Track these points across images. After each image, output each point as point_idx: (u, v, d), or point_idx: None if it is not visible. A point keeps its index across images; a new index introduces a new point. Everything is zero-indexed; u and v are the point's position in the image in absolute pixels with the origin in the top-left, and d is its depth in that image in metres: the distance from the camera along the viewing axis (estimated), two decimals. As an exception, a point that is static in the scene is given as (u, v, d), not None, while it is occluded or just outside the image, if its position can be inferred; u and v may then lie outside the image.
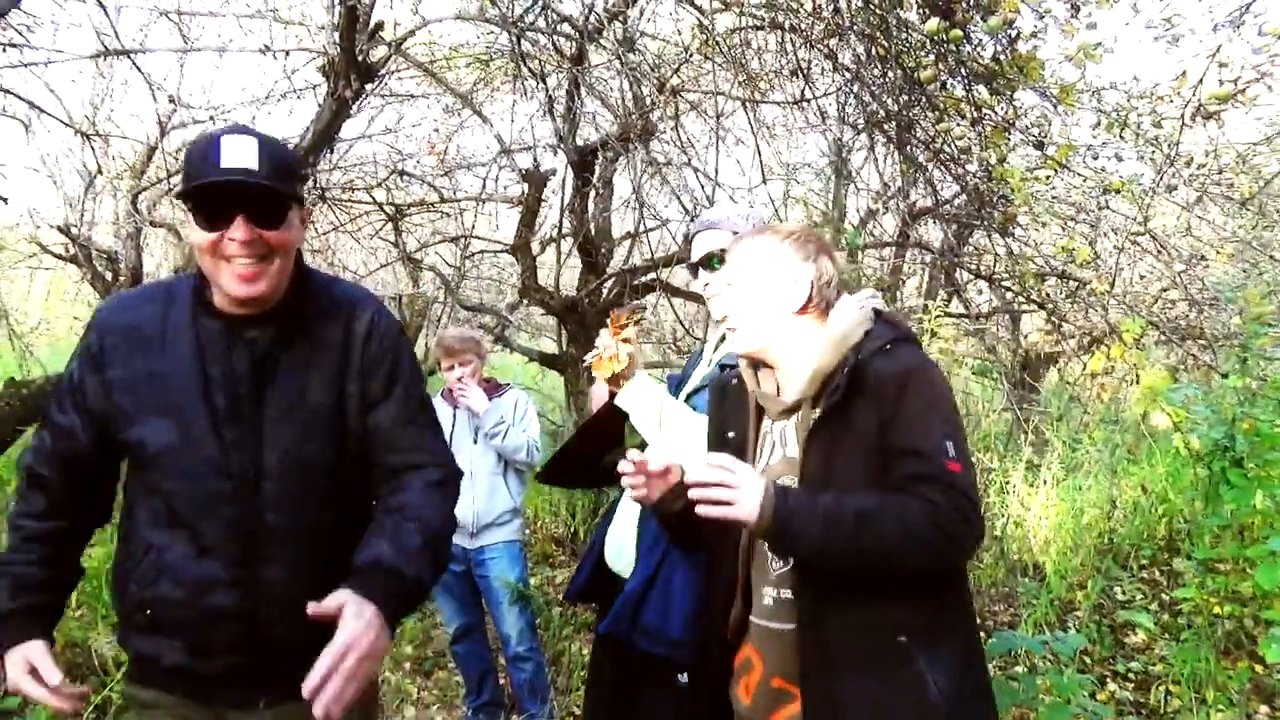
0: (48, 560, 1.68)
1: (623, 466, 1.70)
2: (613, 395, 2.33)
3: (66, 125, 5.84)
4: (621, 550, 2.40)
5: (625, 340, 2.21)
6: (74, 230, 6.83)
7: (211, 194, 1.50)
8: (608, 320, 2.22)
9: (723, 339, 2.47)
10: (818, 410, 1.61)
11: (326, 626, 1.39)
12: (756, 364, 1.79)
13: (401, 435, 1.69)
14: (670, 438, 2.19)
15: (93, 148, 5.93)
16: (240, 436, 1.58)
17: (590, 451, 2.51)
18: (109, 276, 6.89)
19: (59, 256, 7.55)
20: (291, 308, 1.64)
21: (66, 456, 1.66)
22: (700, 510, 1.47)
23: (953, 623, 1.61)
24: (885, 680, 1.52)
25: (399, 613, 1.50)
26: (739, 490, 1.45)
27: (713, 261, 2.32)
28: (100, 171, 6.14)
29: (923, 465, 1.49)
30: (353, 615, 1.38)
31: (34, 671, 1.59)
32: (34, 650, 1.60)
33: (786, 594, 1.65)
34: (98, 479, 1.73)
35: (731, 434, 1.81)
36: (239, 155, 1.48)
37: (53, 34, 6.69)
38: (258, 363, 1.60)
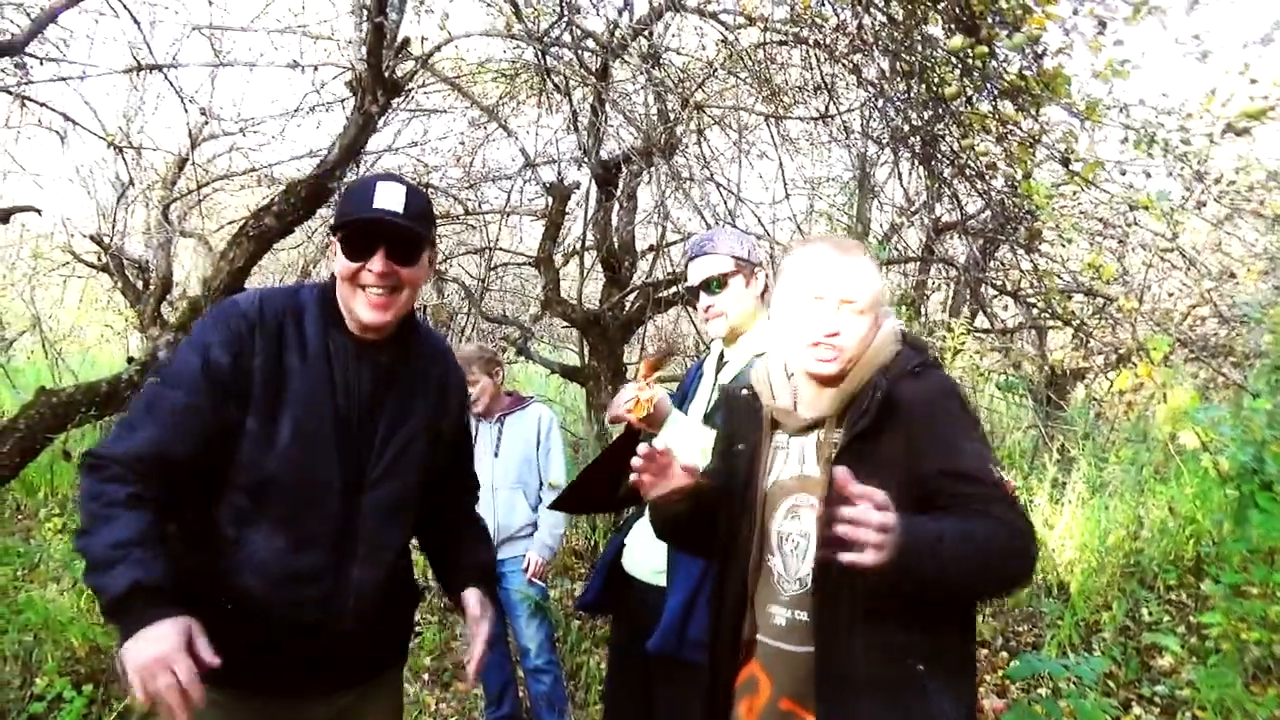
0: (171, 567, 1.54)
1: (637, 458, 1.65)
2: (632, 432, 2.34)
3: (100, 138, 5.95)
4: (649, 557, 2.40)
5: (659, 381, 2.25)
6: (106, 240, 6.95)
7: (360, 229, 1.70)
8: (638, 366, 2.26)
9: (722, 358, 2.50)
10: (841, 430, 1.59)
11: (387, 627, 1.88)
12: (830, 380, 1.67)
13: (467, 469, 2.12)
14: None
15: (125, 159, 6.03)
16: (356, 442, 1.74)
17: (609, 477, 2.51)
18: (139, 285, 7.00)
19: (91, 265, 7.68)
20: (406, 341, 1.85)
21: (196, 434, 1.62)
22: (843, 556, 1.33)
23: (961, 651, 1.62)
24: (899, 706, 1.51)
25: None
26: (888, 536, 1.31)
27: (712, 285, 2.40)
28: (132, 183, 6.23)
29: (978, 486, 1.49)
30: (485, 612, 1.89)
31: (190, 649, 1.43)
32: (195, 624, 1.47)
33: (801, 615, 1.62)
34: (197, 472, 1.65)
35: (740, 446, 1.79)
36: (388, 198, 1.69)
37: (88, 49, 6.81)
38: (379, 381, 1.78)
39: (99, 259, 7.37)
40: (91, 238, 7.11)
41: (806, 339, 1.64)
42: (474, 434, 3.61)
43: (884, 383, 1.56)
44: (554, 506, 2.84)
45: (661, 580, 2.35)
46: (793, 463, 1.70)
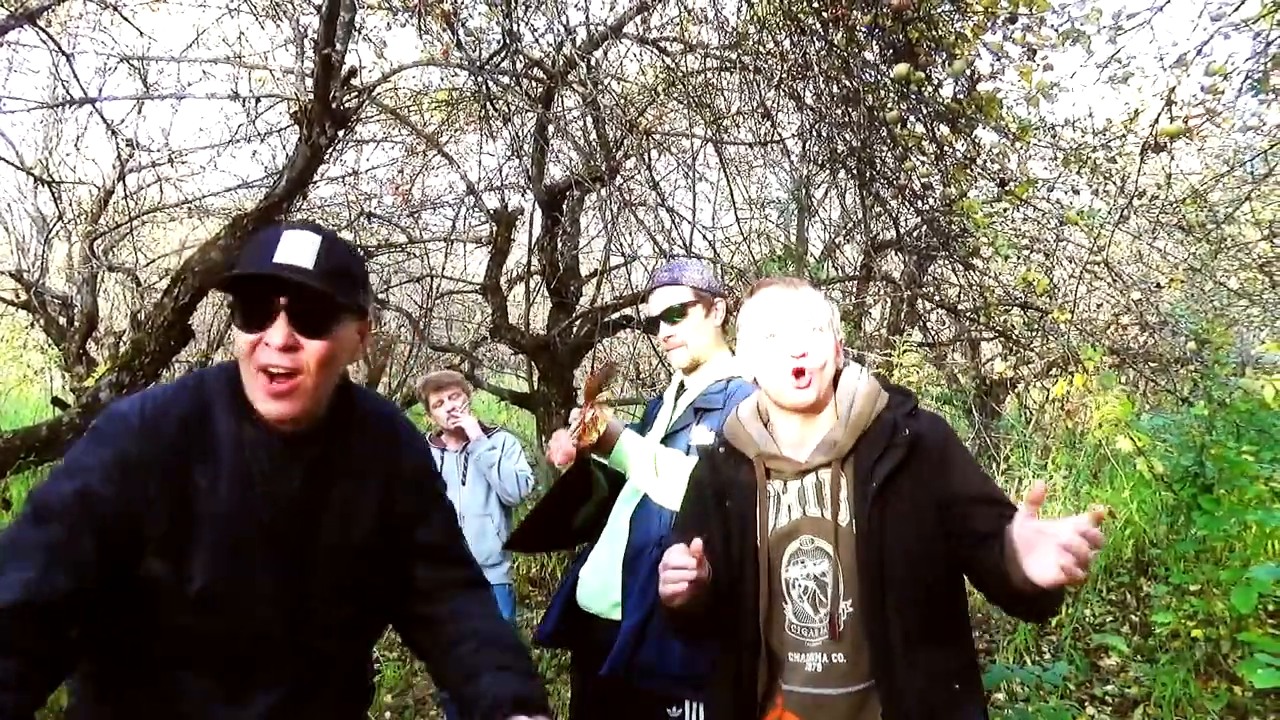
0: None
1: (676, 560, 1.58)
2: (582, 457, 2.32)
3: (27, 171, 5.75)
4: (605, 590, 2.39)
5: (603, 403, 2.23)
6: (26, 276, 6.69)
7: (253, 289, 1.34)
8: (580, 391, 2.23)
9: (681, 386, 2.52)
10: (850, 469, 1.63)
11: None
12: (812, 409, 1.70)
13: (450, 549, 1.64)
14: (668, 484, 2.22)
15: (53, 192, 5.83)
16: (292, 566, 1.41)
17: (561, 512, 2.51)
18: (63, 322, 6.75)
19: (10, 303, 7.37)
20: (339, 424, 1.49)
21: (73, 572, 1.24)
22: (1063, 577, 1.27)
23: (977, 666, 1.68)
24: None
25: None
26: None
27: (672, 315, 2.43)
28: (61, 217, 6.02)
29: (1004, 509, 1.52)
30: None
31: None
32: None
33: (839, 658, 1.61)
34: (70, 634, 1.27)
35: (729, 502, 1.74)
36: (295, 250, 1.34)
37: (3, 80, 6.55)
38: (313, 479, 1.44)
39: (17, 295, 7.09)
40: (11, 274, 6.83)
41: (780, 371, 1.66)
42: (440, 463, 3.58)
43: (905, 422, 1.62)
44: (506, 546, 2.75)
45: (617, 614, 2.34)
46: (795, 508, 1.68)
